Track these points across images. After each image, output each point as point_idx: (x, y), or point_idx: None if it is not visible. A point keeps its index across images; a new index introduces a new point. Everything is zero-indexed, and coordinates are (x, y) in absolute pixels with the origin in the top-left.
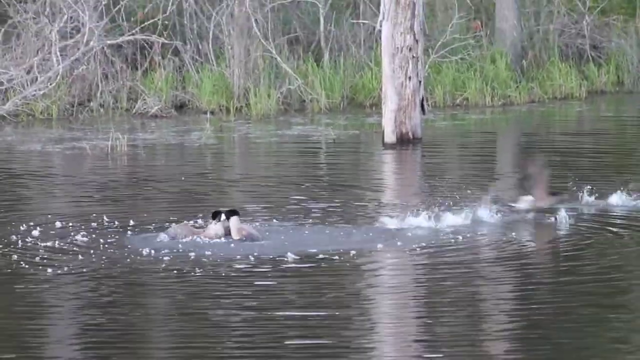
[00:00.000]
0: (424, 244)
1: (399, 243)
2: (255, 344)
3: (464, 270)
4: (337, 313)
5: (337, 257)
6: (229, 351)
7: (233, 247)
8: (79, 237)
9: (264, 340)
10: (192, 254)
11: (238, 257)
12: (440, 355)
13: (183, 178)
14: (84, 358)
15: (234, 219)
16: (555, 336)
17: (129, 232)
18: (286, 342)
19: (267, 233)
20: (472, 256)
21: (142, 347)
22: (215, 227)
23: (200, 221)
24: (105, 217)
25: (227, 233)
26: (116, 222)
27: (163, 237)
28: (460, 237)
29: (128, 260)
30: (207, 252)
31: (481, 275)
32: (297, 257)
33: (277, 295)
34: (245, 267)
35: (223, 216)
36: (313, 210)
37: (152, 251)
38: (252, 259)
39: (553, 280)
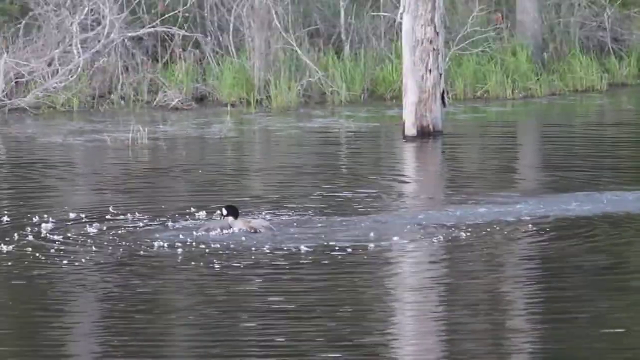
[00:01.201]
0: (442, 237)
1: (418, 236)
2: (275, 341)
3: (485, 264)
4: (356, 308)
5: (353, 250)
6: (249, 348)
7: (246, 239)
8: (94, 229)
9: (286, 335)
10: (203, 246)
11: (253, 249)
12: (463, 350)
13: (200, 171)
14: (103, 351)
15: (235, 221)
16: (580, 332)
17: (145, 224)
18: (311, 338)
19: (283, 225)
20: (494, 250)
21: (162, 342)
22: (235, 222)
23: (201, 214)
24: (121, 209)
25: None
26: (133, 214)
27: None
28: (482, 231)
29: (142, 252)
30: (220, 245)
31: (502, 271)
32: (311, 250)
33: (292, 291)
34: (261, 260)
35: (224, 211)
36: (332, 202)
37: (166, 243)
38: (267, 251)
39: (577, 272)
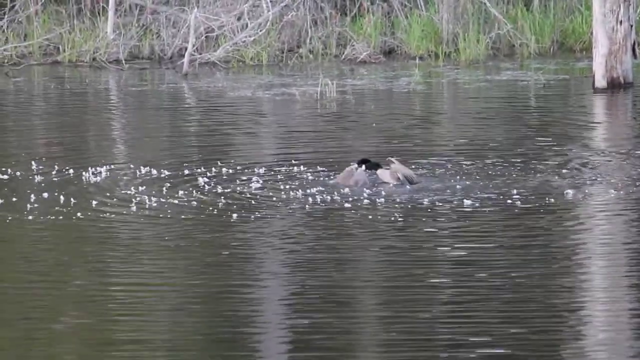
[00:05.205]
0: (628, 192)
1: (604, 190)
2: (462, 308)
3: None
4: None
5: (530, 203)
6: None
7: (409, 189)
8: (275, 180)
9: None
10: (367, 200)
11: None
12: None
13: (374, 124)
14: (289, 313)
15: (379, 172)
16: None
17: (323, 177)
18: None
19: (463, 177)
20: None
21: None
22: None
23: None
24: (304, 162)
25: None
26: (314, 167)
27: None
28: None
29: (311, 206)
30: (382, 198)
31: None
32: (475, 203)
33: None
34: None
35: (362, 167)
36: (518, 153)
37: (337, 196)
38: (427, 204)
39: None
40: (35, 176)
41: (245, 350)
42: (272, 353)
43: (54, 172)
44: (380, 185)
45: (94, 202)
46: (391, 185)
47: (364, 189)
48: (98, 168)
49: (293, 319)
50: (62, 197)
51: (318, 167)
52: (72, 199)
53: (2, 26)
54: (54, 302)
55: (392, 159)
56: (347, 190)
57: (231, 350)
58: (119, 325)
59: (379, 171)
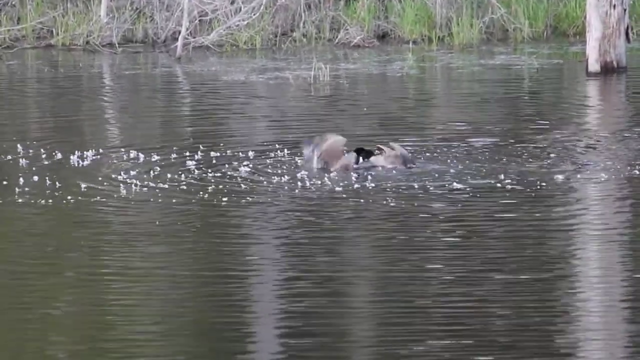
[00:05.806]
0: (621, 175)
1: (597, 173)
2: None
3: None
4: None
5: (519, 188)
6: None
7: (399, 172)
8: (264, 166)
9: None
10: (358, 185)
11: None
12: None
13: (365, 109)
14: (285, 288)
15: (372, 159)
16: None
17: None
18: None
19: (454, 161)
20: None
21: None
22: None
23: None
24: (293, 146)
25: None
26: (301, 152)
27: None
28: None
29: (302, 191)
30: (371, 184)
31: None
32: (467, 187)
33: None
34: (415, 195)
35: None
36: (510, 136)
37: (328, 181)
38: (419, 188)
39: None
40: (25, 159)
41: (239, 336)
42: (265, 339)
43: (44, 156)
44: (371, 169)
45: (84, 186)
46: (379, 168)
47: (352, 173)
48: (90, 151)
49: (286, 305)
50: (51, 181)
51: (299, 152)
52: (62, 183)
53: None
54: (47, 288)
55: (381, 146)
56: (334, 174)
57: (224, 337)
58: (112, 312)
59: (372, 158)
